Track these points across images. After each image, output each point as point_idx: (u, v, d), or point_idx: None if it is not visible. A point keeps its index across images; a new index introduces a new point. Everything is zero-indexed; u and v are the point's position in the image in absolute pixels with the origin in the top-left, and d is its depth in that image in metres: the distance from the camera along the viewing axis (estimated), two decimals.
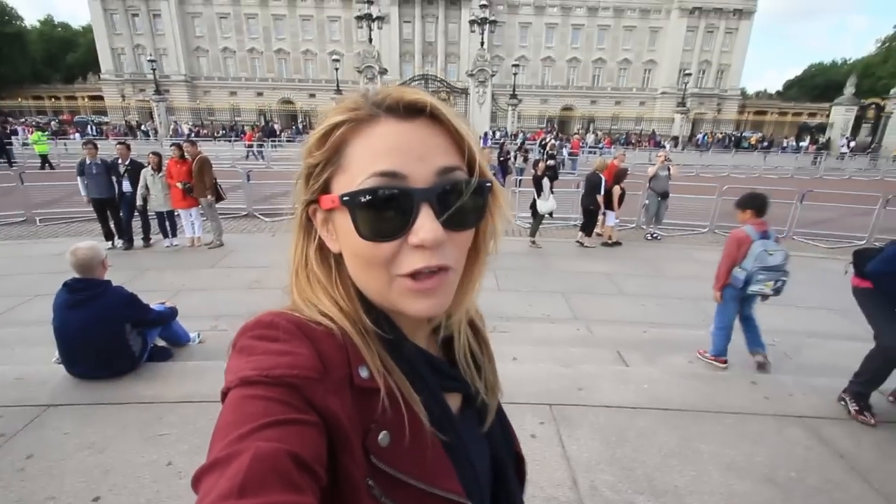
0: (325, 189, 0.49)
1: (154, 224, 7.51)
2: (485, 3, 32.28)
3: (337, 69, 34.14)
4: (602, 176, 7.90)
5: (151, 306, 3.39)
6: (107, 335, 2.95)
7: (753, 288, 3.41)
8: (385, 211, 0.45)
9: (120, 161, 7.09)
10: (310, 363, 0.44)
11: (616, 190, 7.96)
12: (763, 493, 2.15)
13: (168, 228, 7.37)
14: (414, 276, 0.46)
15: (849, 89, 37.94)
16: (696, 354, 3.76)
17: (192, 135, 27.99)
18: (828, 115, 40.96)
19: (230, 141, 29.12)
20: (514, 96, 34.34)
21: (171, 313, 3.60)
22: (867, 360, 2.88)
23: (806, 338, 4.36)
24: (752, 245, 3.41)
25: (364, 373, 0.47)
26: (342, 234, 0.49)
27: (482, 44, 32.27)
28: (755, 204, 3.54)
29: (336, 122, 0.47)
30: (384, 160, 0.45)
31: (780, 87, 72.87)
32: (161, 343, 3.64)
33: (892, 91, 36.14)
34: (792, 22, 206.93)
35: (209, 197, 7.19)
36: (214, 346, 3.87)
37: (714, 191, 9.31)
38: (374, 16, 31.44)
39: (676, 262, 7.21)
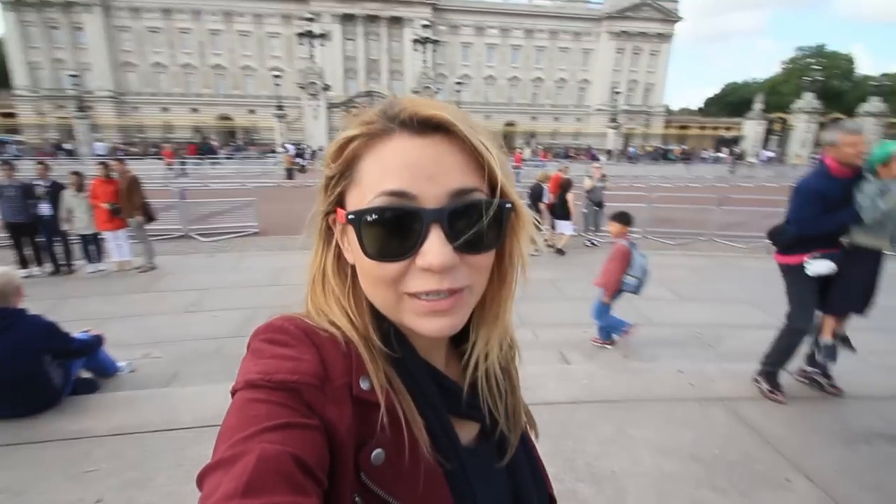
0: (340, 202, 0.49)
1: (77, 248, 6.98)
2: (426, 23, 33.05)
3: (278, 85, 33.44)
4: (545, 186, 8.30)
5: (74, 335, 3.15)
6: (24, 368, 2.71)
7: (643, 290, 4.05)
8: (391, 231, 0.44)
9: (38, 182, 6.56)
10: (312, 369, 0.44)
11: (570, 198, 8.30)
12: (690, 470, 2.33)
13: (93, 252, 6.87)
14: (425, 294, 0.45)
15: (757, 106, 42.27)
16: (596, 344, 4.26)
17: (120, 153, 26.29)
18: (741, 129, 45.22)
19: (162, 159, 27.62)
20: None
21: (97, 342, 3.37)
22: (777, 340, 3.13)
23: (727, 329, 4.77)
24: (633, 255, 4.00)
25: (365, 384, 0.46)
26: (353, 248, 0.48)
27: (425, 62, 32.93)
28: (628, 220, 4.25)
29: (350, 136, 0.46)
30: (394, 179, 0.43)
31: (700, 105, 79.41)
32: (86, 374, 3.39)
33: (793, 107, 40.58)
34: (708, 43, 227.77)
35: (139, 218, 6.80)
36: (147, 374, 3.65)
37: (644, 199, 10.00)
38: (316, 33, 31.23)
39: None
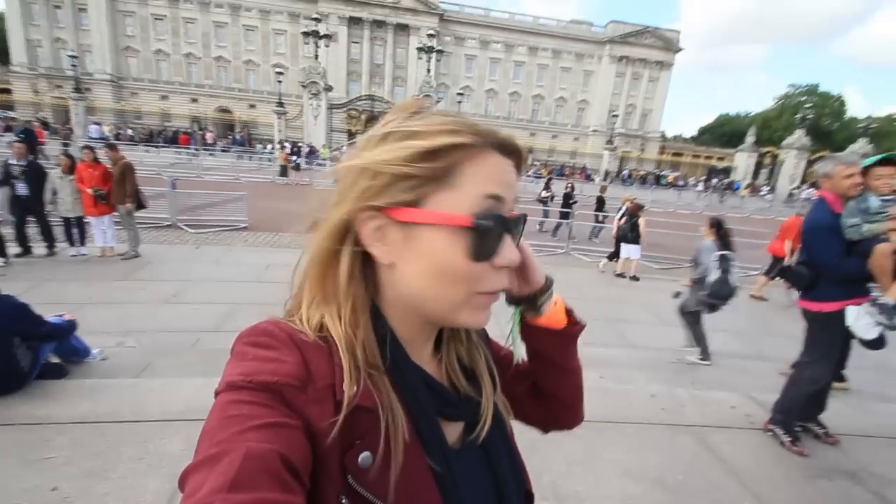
0: (415, 202, 0.48)
1: (60, 231, 6.87)
2: (432, 33, 33.36)
3: (280, 82, 33.42)
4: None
5: (47, 318, 3.10)
6: None
7: None
8: (495, 234, 0.50)
9: (14, 161, 6.35)
10: (293, 371, 0.45)
11: (642, 222, 8.25)
12: (654, 495, 2.35)
13: (75, 236, 6.77)
14: (488, 292, 0.51)
15: (749, 138, 43.22)
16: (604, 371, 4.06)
17: (113, 138, 25.95)
18: (733, 160, 46.12)
19: (157, 147, 27.38)
20: None
21: (70, 327, 3.31)
22: (789, 388, 2.95)
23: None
24: None
25: (349, 390, 0.47)
26: (429, 250, 0.48)
27: (429, 71, 33.15)
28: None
29: (454, 143, 0.48)
30: (496, 186, 0.50)
31: (694, 132, 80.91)
32: (55, 359, 3.33)
33: (783, 142, 41.50)
34: (706, 73, 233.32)
35: (129, 204, 6.73)
36: (118, 363, 3.58)
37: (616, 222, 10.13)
38: (322, 33, 31.33)
39: (599, 285, 7.71)
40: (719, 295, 4.28)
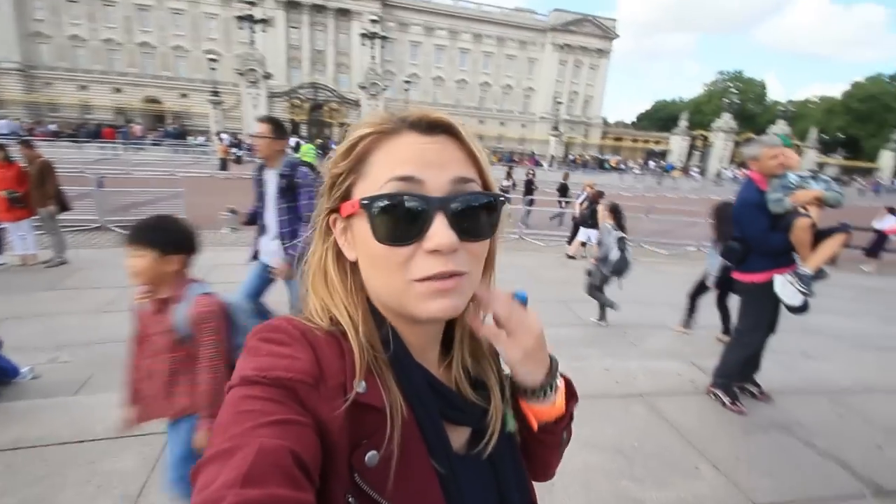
0: (346, 197, 0.51)
1: None
2: (375, 18, 32.60)
3: (214, 69, 31.51)
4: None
5: None
6: None
7: None
8: (401, 216, 0.46)
9: None
10: (307, 368, 0.45)
11: (601, 209, 8.52)
12: (612, 462, 2.49)
13: None
14: (430, 278, 0.47)
15: (682, 123, 45.79)
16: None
17: (26, 134, 23.53)
18: (668, 144, 48.79)
19: (77, 142, 25.08)
20: None
21: None
22: (727, 354, 3.18)
23: (649, 329, 5.14)
24: None
25: (359, 386, 0.47)
26: (360, 239, 0.50)
27: (373, 58, 32.45)
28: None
29: (362, 135, 0.49)
30: (404, 166, 0.47)
31: (634, 118, 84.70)
32: None
33: (713, 126, 44.39)
34: (643, 63, 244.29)
35: (51, 207, 6.15)
36: (53, 380, 3.31)
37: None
38: (257, 18, 29.79)
39: (552, 269, 7.97)
40: (618, 271, 4.92)
